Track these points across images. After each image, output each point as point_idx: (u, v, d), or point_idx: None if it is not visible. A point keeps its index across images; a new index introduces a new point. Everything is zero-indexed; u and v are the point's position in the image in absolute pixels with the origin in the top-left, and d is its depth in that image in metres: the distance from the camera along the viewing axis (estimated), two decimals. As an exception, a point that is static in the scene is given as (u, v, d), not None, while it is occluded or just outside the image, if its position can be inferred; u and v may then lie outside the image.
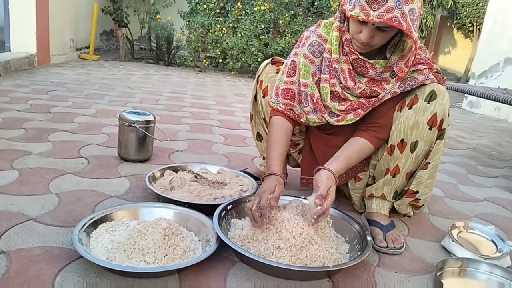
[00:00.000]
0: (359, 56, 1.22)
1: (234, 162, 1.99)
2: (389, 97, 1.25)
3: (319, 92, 1.32)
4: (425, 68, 1.24)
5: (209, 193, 1.44)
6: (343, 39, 1.25)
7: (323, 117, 1.34)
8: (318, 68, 1.33)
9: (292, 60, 1.36)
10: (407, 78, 1.24)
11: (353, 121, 1.31)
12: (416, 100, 1.26)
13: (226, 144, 2.30)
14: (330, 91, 1.30)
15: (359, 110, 1.29)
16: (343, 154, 1.28)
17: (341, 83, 1.29)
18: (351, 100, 1.29)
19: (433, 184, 1.36)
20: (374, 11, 1.05)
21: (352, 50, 1.22)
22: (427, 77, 1.24)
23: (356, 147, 1.30)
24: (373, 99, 1.27)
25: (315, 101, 1.33)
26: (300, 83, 1.34)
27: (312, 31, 1.35)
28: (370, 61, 1.22)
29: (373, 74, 1.24)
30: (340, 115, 1.32)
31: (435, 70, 1.27)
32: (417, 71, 1.24)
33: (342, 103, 1.30)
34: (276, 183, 1.22)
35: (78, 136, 2.11)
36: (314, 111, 1.35)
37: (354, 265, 1.08)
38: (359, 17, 1.07)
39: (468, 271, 1.20)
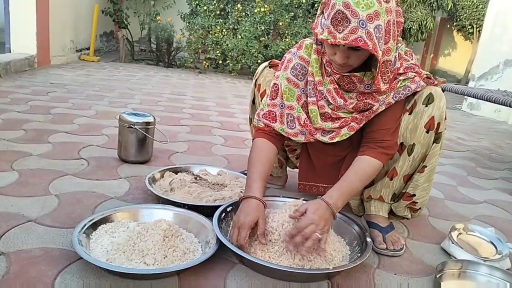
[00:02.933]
0: (343, 74, 1.20)
1: (234, 163, 1.99)
2: (383, 108, 1.23)
3: (308, 115, 1.32)
4: (415, 76, 1.23)
5: (209, 195, 1.44)
6: (324, 60, 1.24)
7: (312, 138, 1.33)
8: (303, 91, 1.32)
9: (274, 83, 1.35)
10: (400, 87, 1.22)
11: (348, 136, 1.29)
12: (415, 105, 1.26)
13: (226, 146, 2.31)
14: (320, 113, 1.29)
15: (352, 124, 1.27)
16: (346, 181, 1.20)
17: (330, 104, 1.27)
18: (344, 117, 1.28)
19: (430, 188, 1.37)
20: (339, 33, 1.04)
21: (334, 70, 1.21)
22: (419, 84, 1.23)
23: (360, 168, 1.23)
24: (367, 112, 1.25)
25: (302, 123, 1.32)
26: (284, 105, 1.33)
27: (294, 54, 1.33)
28: (356, 74, 1.20)
29: (362, 88, 1.22)
30: (334, 131, 1.30)
31: (425, 76, 1.26)
32: (408, 79, 1.22)
33: (336, 122, 1.29)
34: (257, 214, 1.14)
35: (78, 137, 2.11)
36: (302, 133, 1.33)
37: (354, 267, 1.09)
38: (328, 40, 1.07)
39: (467, 273, 1.20)
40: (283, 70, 1.34)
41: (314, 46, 1.26)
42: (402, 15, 1.15)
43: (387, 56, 1.11)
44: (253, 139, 1.38)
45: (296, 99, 1.32)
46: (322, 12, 1.12)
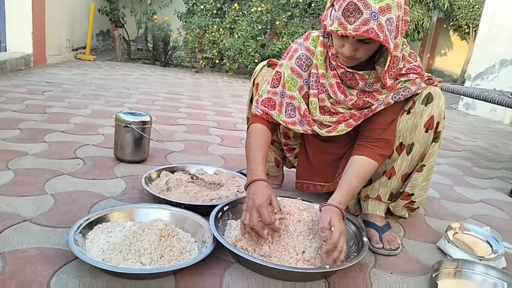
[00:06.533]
0: (347, 69, 1.20)
1: (230, 163, 1.99)
2: (382, 107, 1.24)
3: (308, 106, 1.31)
4: (416, 78, 1.23)
5: (206, 194, 1.44)
6: (329, 54, 1.24)
7: (310, 129, 1.32)
8: (305, 82, 1.32)
9: (277, 71, 1.34)
10: (400, 88, 1.22)
11: (344, 131, 1.29)
12: (413, 105, 1.27)
13: (222, 145, 2.30)
14: (320, 106, 1.29)
15: (350, 121, 1.27)
16: (347, 183, 1.21)
17: (330, 97, 1.27)
18: (343, 113, 1.28)
19: (428, 187, 1.37)
20: (351, 24, 1.04)
21: (339, 64, 1.21)
22: (419, 86, 1.23)
23: (361, 170, 1.23)
24: (366, 110, 1.25)
25: (302, 113, 1.31)
26: (285, 94, 1.32)
27: (300, 44, 1.33)
28: (359, 72, 1.20)
29: (364, 86, 1.23)
30: (330, 126, 1.30)
31: (426, 78, 1.26)
32: (409, 80, 1.22)
33: (334, 116, 1.29)
34: (270, 192, 1.16)
35: (74, 136, 2.10)
36: (301, 123, 1.33)
37: (350, 266, 1.09)
38: (338, 32, 1.06)
39: (463, 272, 1.21)
40: (288, 59, 1.33)
41: (321, 38, 1.25)
42: (409, 14, 1.15)
43: (395, 51, 1.11)
44: (249, 125, 1.38)
45: (298, 89, 1.32)
46: (332, 5, 1.11)
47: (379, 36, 1.02)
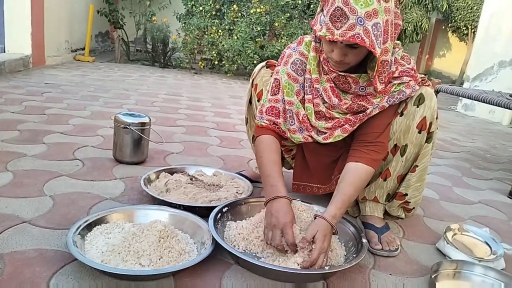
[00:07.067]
0: (339, 73, 1.20)
1: (229, 164, 1.99)
2: (377, 111, 1.24)
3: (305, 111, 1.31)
4: (410, 80, 1.23)
5: (205, 196, 1.44)
6: (321, 58, 1.24)
7: (309, 136, 1.32)
8: (302, 86, 1.32)
9: (275, 78, 1.34)
10: (394, 91, 1.22)
11: (341, 137, 1.29)
12: (406, 107, 1.27)
13: (221, 146, 2.30)
14: (315, 111, 1.29)
15: (346, 126, 1.27)
16: (342, 192, 1.19)
17: (325, 102, 1.27)
18: (338, 118, 1.28)
19: (422, 187, 1.37)
20: (337, 29, 1.04)
21: (331, 68, 1.21)
22: (414, 89, 1.23)
23: (357, 179, 1.22)
24: (361, 114, 1.25)
25: (301, 119, 1.31)
26: (284, 101, 1.32)
27: (294, 49, 1.32)
28: (352, 75, 1.20)
29: (357, 90, 1.22)
30: (326, 132, 1.30)
31: (420, 80, 1.26)
32: (403, 83, 1.22)
33: (329, 121, 1.29)
34: (292, 212, 1.16)
35: (73, 138, 2.10)
36: (300, 130, 1.33)
37: (349, 267, 1.09)
38: (326, 37, 1.07)
39: (462, 273, 1.21)
40: (283, 64, 1.33)
41: (313, 43, 1.26)
42: (401, 17, 1.15)
43: (385, 56, 1.11)
44: (256, 137, 1.36)
45: (296, 94, 1.32)
46: (322, 10, 1.12)
47: (365, 41, 1.02)
